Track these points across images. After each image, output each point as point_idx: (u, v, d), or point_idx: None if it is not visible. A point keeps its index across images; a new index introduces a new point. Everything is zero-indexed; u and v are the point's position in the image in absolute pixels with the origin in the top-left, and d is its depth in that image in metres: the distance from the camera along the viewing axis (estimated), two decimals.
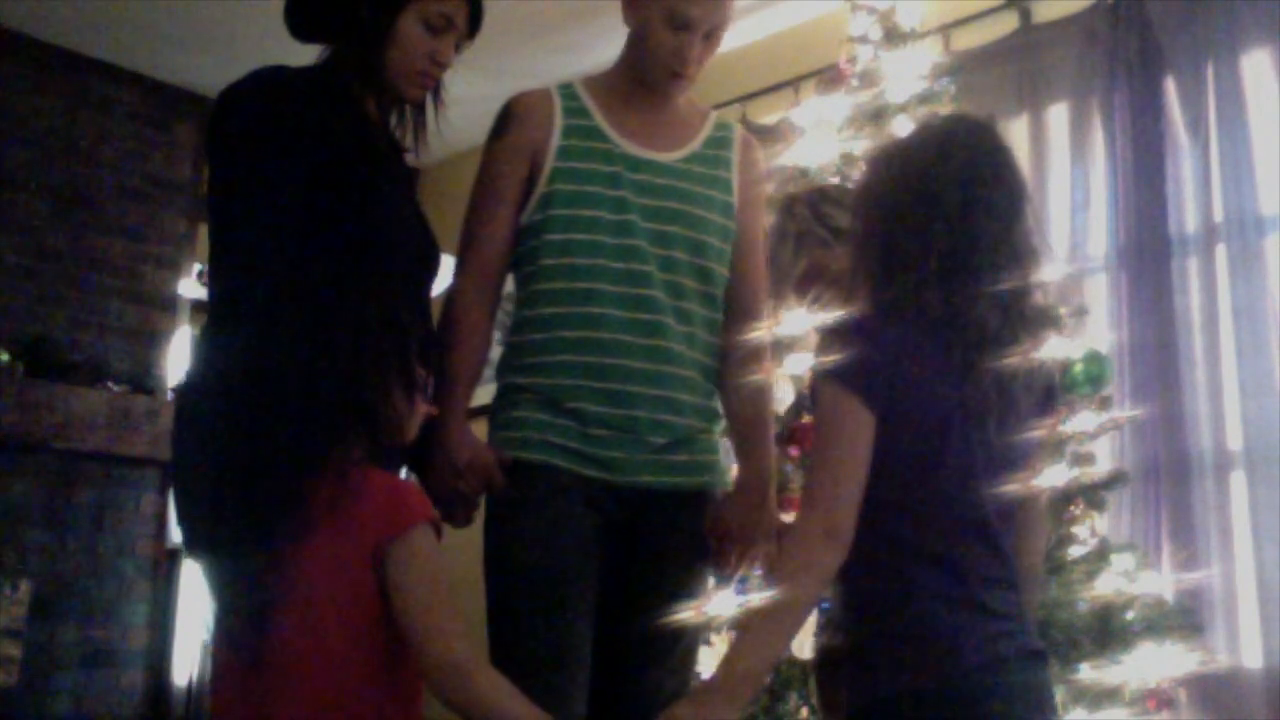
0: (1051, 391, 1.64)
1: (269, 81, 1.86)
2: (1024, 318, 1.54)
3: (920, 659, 1.45)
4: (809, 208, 1.86)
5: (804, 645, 2.59)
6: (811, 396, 1.55)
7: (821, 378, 1.53)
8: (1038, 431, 1.59)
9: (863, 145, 2.86)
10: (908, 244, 1.53)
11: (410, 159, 2.08)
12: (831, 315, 1.64)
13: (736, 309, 2.08)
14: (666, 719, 1.44)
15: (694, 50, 2.00)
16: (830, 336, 1.56)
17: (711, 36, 2.02)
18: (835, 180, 2.02)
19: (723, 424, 2.11)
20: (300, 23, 1.96)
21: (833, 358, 1.52)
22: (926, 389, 1.50)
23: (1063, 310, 2.82)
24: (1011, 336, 1.52)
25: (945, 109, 2.94)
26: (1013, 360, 1.52)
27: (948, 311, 1.50)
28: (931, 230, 1.52)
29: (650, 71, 2.03)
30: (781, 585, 1.46)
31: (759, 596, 1.48)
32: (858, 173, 1.68)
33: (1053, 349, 2.63)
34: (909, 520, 1.50)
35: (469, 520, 2.00)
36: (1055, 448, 2.62)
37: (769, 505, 2.03)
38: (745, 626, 1.49)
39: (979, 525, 1.51)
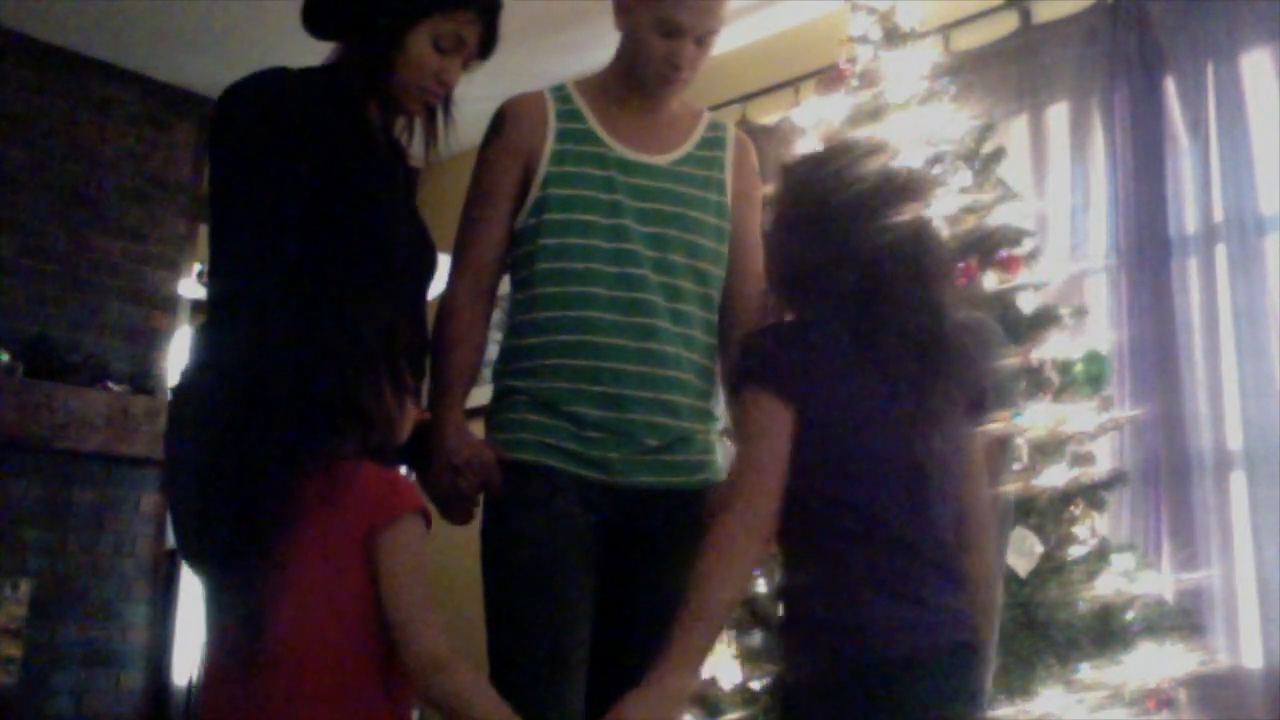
0: (983, 398, 1.65)
1: (271, 82, 1.86)
2: (933, 346, 1.57)
3: (848, 644, 1.48)
4: None
5: None
6: (730, 400, 1.59)
7: (739, 381, 1.58)
8: (969, 435, 1.62)
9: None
10: (816, 283, 1.58)
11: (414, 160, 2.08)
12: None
13: (735, 308, 2.08)
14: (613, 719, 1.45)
15: (685, 56, 1.99)
16: (745, 342, 1.62)
17: (703, 41, 2.01)
18: None
19: (720, 424, 2.11)
20: (316, 20, 1.96)
21: (748, 361, 1.58)
22: (845, 383, 1.54)
23: (1063, 310, 2.82)
24: (930, 335, 1.56)
25: (945, 108, 2.94)
26: (934, 356, 1.56)
27: (855, 346, 1.54)
28: (840, 275, 1.56)
29: (643, 76, 2.03)
30: (707, 580, 1.49)
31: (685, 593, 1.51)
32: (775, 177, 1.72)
33: (1042, 349, 2.67)
34: (846, 511, 1.52)
35: (469, 518, 2.00)
36: (1049, 447, 2.63)
37: None
38: (676, 626, 1.50)
39: (913, 507, 1.53)
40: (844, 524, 1.51)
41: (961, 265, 2.71)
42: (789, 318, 1.64)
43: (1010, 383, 2.25)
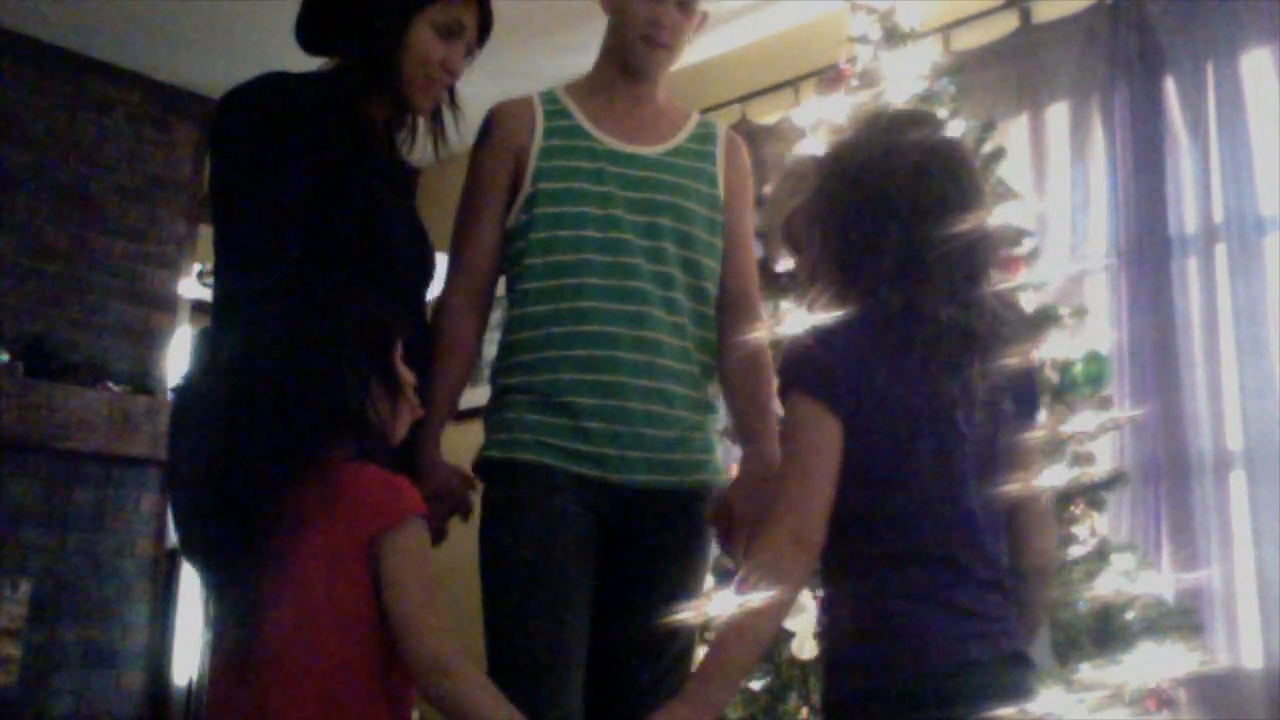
0: (1031, 392, 1.64)
1: (271, 86, 1.87)
2: (987, 314, 1.54)
3: (886, 659, 1.45)
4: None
5: (804, 646, 2.60)
6: (780, 403, 1.55)
7: (787, 385, 1.54)
8: (1020, 433, 1.58)
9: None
10: (863, 245, 1.54)
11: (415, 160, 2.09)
12: (798, 320, 1.64)
13: (730, 303, 2.09)
14: None
15: (669, 17, 2.02)
16: (794, 344, 1.56)
17: (685, 6, 2.03)
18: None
19: (717, 417, 2.11)
20: (311, 36, 1.96)
21: (797, 365, 1.54)
22: (891, 392, 1.50)
23: (1063, 310, 2.82)
24: (972, 333, 1.52)
25: (945, 109, 2.94)
26: (975, 356, 1.52)
27: (906, 309, 1.51)
28: (885, 230, 1.53)
29: (629, 47, 2.05)
30: (750, 593, 1.45)
31: (731, 604, 1.47)
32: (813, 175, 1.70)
33: (1042, 350, 2.67)
34: (884, 522, 1.49)
35: (437, 541, 1.97)
36: (1048, 447, 2.62)
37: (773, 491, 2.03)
38: (717, 635, 1.49)
39: (960, 526, 1.50)
40: (884, 540, 1.49)
41: (1005, 257, 2.69)
42: (825, 305, 1.58)
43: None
